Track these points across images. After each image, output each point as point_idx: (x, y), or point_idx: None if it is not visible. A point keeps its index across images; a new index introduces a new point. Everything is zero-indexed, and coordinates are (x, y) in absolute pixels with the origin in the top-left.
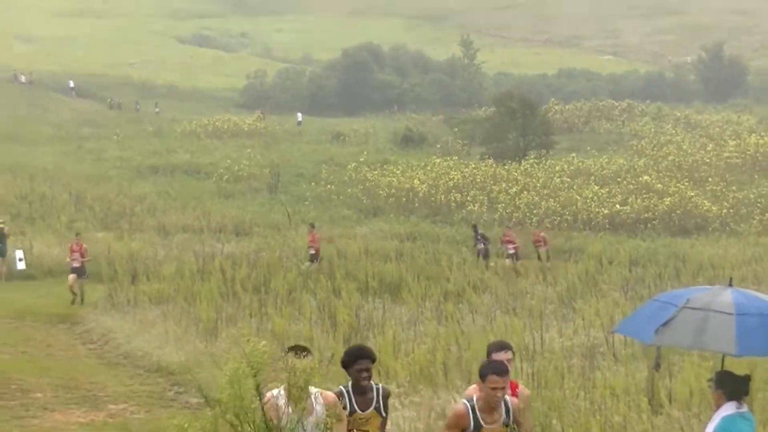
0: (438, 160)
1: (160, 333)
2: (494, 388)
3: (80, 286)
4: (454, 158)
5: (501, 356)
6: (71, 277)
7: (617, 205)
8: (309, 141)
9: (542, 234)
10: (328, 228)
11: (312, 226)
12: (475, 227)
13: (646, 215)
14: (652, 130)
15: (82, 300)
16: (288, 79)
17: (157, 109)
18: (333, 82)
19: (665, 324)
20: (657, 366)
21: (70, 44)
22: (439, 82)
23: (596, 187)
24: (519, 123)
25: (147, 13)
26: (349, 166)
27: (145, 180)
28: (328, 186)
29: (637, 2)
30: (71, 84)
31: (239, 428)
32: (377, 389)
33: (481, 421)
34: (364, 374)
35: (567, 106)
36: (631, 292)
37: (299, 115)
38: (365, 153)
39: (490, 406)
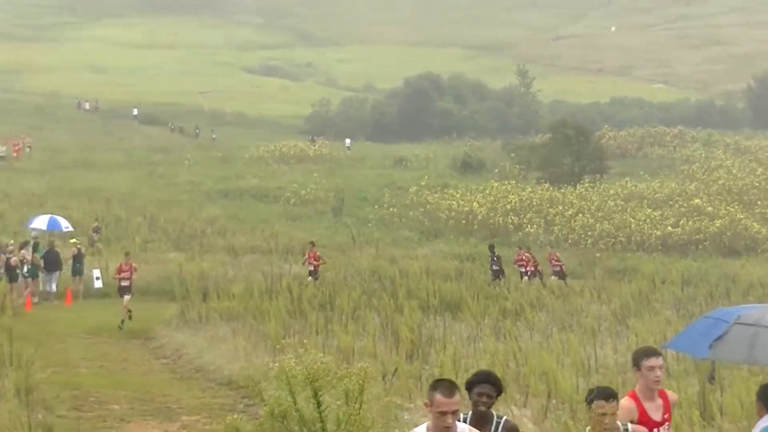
0: (496, 184)
1: (230, 348)
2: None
3: (125, 303)
4: (511, 182)
5: (653, 362)
6: (126, 299)
7: (669, 227)
8: (372, 166)
9: (556, 254)
10: (391, 249)
11: (312, 244)
12: (491, 248)
13: (697, 237)
14: (703, 155)
15: (130, 317)
16: (351, 107)
17: (214, 135)
18: (394, 109)
19: (718, 339)
20: (712, 379)
21: (140, 74)
22: (497, 109)
23: (649, 210)
24: (574, 149)
25: (214, 45)
26: (410, 190)
27: (214, 203)
28: (391, 209)
29: (687, 33)
30: (135, 112)
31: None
32: (498, 421)
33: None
34: (483, 399)
35: (620, 133)
36: (683, 310)
37: (348, 140)
38: (426, 177)
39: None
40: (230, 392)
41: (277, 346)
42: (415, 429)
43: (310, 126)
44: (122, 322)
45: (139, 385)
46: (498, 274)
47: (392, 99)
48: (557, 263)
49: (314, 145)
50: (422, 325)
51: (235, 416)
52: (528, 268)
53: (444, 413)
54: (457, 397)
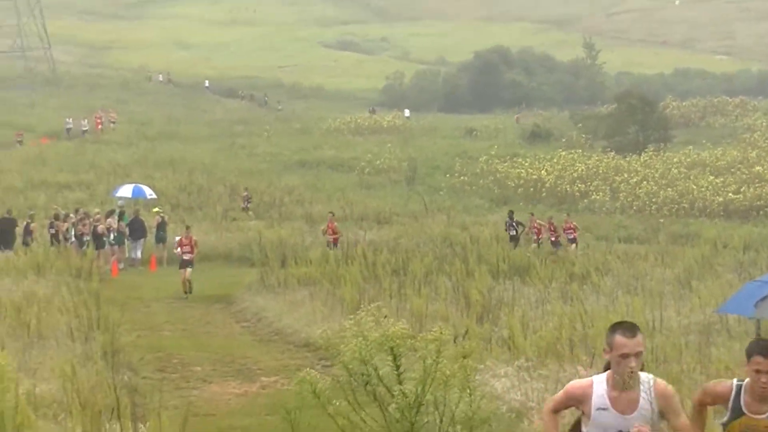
0: (563, 153)
1: (307, 312)
2: (757, 371)
3: (187, 276)
4: (578, 151)
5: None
6: (188, 271)
7: (731, 194)
8: (444, 136)
9: (573, 222)
10: (462, 216)
11: (331, 214)
12: (510, 213)
13: (758, 203)
14: (764, 124)
15: (191, 290)
16: (424, 80)
17: (279, 106)
18: (466, 82)
19: (763, 299)
20: (758, 336)
21: (223, 50)
22: (564, 81)
23: (711, 177)
24: (638, 118)
25: (293, 21)
26: (480, 159)
27: (293, 173)
28: (462, 177)
29: (749, 6)
30: (207, 84)
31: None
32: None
33: (744, 408)
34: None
35: (683, 103)
36: (744, 274)
37: (407, 111)
38: (496, 147)
39: (756, 393)
40: (308, 354)
41: (357, 310)
42: (594, 377)
43: (385, 98)
44: (186, 292)
45: (221, 348)
46: (515, 239)
47: (463, 72)
48: (572, 231)
49: (373, 116)
50: (492, 289)
51: (308, 370)
52: (540, 236)
53: (626, 355)
54: (639, 337)
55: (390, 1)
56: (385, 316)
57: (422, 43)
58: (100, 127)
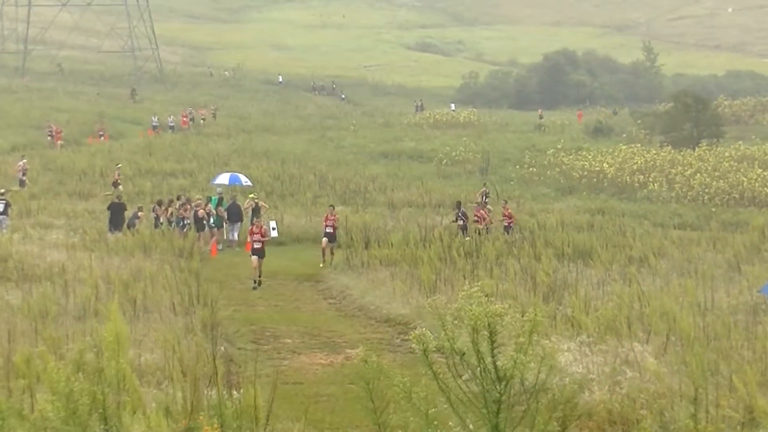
0: (624, 147)
1: (388, 290)
2: None
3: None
4: (637, 146)
5: None
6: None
7: None
8: (514, 131)
9: (509, 210)
10: (530, 204)
11: (332, 207)
12: (458, 204)
13: None
14: None
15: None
16: (497, 79)
17: (342, 96)
18: (535, 81)
19: None
20: None
21: (314, 51)
22: (625, 81)
23: (760, 170)
24: (693, 116)
25: (378, 25)
26: (548, 152)
27: (376, 163)
28: (530, 168)
29: None
30: (280, 79)
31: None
32: None
33: None
34: None
35: (734, 102)
36: None
37: (452, 105)
38: (562, 141)
39: None
40: (388, 328)
41: (433, 289)
42: None
43: (462, 96)
44: (256, 281)
45: (309, 322)
46: (463, 229)
47: (533, 72)
48: (507, 218)
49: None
50: (557, 270)
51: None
52: (484, 224)
53: None
54: None
55: (466, 7)
56: (487, 296)
57: (495, 45)
58: (184, 125)
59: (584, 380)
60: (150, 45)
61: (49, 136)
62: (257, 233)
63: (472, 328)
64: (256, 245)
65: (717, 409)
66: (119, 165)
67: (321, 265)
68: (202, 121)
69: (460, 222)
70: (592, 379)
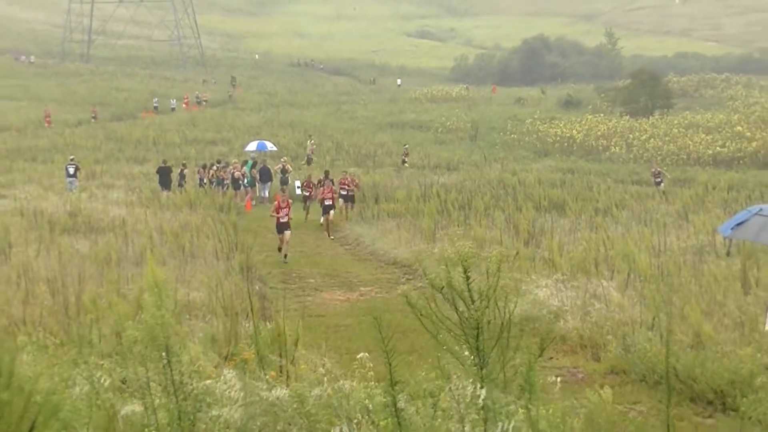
0: (590, 117)
1: (395, 238)
2: None
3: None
4: (601, 115)
5: None
6: (287, 234)
7: (718, 147)
8: (499, 104)
9: (349, 179)
10: (512, 164)
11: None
12: (326, 173)
13: (738, 155)
14: (744, 94)
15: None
16: (483, 61)
17: (321, 66)
18: (515, 62)
19: (740, 224)
20: (728, 253)
21: (330, 39)
22: (591, 62)
23: (703, 135)
24: (647, 90)
25: (384, 16)
26: (527, 121)
27: (384, 132)
28: (512, 135)
29: (733, 3)
30: (311, 61)
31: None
32: None
33: None
34: None
35: (682, 78)
36: (728, 209)
37: (399, 80)
38: (538, 112)
39: None
40: (395, 270)
41: (433, 236)
42: None
43: (453, 75)
44: (285, 255)
45: (329, 265)
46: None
47: (514, 55)
48: (346, 186)
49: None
50: (535, 220)
51: (405, 287)
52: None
53: None
54: None
55: (458, 0)
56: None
57: (482, 32)
58: (186, 106)
59: (560, 311)
60: (193, 34)
61: (93, 118)
62: (285, 207)
63: (446, 265)
64: (283, 220)
65: (670, 335)
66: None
67: (331, 238)
68: (204, 102)
69: (343, 193)
70: (566, 310)
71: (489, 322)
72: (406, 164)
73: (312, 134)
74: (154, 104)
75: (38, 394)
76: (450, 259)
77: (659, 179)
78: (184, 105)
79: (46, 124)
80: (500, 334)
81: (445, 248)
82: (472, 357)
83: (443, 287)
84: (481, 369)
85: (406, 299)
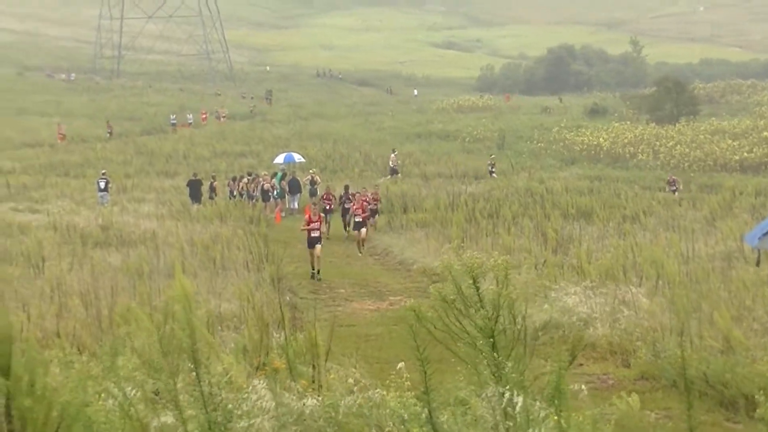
0: (616, 125)
1: (423, 247)
2: None
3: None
4: (627, 123)
5: None
6: (318, 248)
7: (745, 153)
8: (525, 113)
9: (367, 195)
10: (539, 173)
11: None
12: (346, 188)
13: (766, 160)
14: None
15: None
16: (509, 70)
17: (340, 76)
18: (541, 71)
19: (765, 234)
20: (757, 263)
21: (356, 50)
22: (616, 70)
23: (730, 141)
24: (673, 97)
25: (410, 27)
26: (553, 130)
27: (411, 142)
28: (539, 144)
29: (758, 10)
30: (339, 75)
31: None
32: None
33: None
34: None
35: (708, 85)
36: (756, 214)
37: (415, 91)
38: (564, 120)
39: None
40: (424, 279)
41: (455, 246)
42: None
43: (480, 84)
44: (316, 272)
45: (358, 275)
46: (347, 212)
47: (539, 64)
48: (376, 202)
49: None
50: (563, 228)
51: (413, 301)
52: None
53: None
54: None
55: (483, 11)
56: (466, 249)
57: (507, 42)
58: (204, 121)
59: (589, 318)
60: (221, 48)
61: (108, 133)
62: (316, 221)
63: (452, 277)
64: (314, 234)
65: (700, 340)
66: (395, 151)
67: (360, 255)
68: (223, 118)
69: (346, 206)
70: (595, 317)
71: (504, 330)
72: (494, 175)
73: (395, 148)
74: (172, 121)
75: (61, 403)
76: (462, 269)
77: (674, 187)
78: (202, 120)
79: (59, 140)
80: (515, 343)
81: (470, 257)
82: (490, 366)
83: (454, 299)
84: (499, 375)
85: (414, 313)
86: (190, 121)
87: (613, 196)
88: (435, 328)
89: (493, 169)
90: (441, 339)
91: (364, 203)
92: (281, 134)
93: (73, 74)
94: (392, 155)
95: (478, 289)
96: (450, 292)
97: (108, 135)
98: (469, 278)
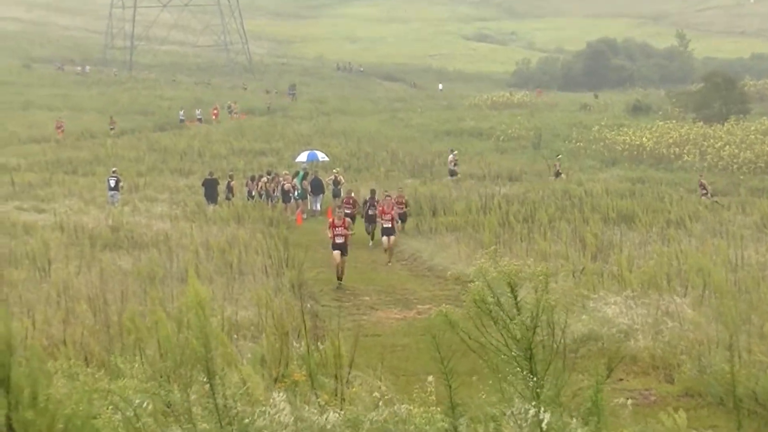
0: (660, 123)
1: (454, 252)
2: None
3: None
4: (672, 122)
5: None
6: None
7: None
8: (563, 110)
9: (393, 200)
10: (578, 174)
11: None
12: (372, 192)
13: None
14: None
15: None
16: (546, 65)
17: (361, 69)
18: (580, 66)
19: None
20: None
21: (383, 42)
22: (660, 65)
23: None
24: (722, 94)
25: (440, 18)
26: (593, 128)
27: (441, 140)
28: (578, 143)
29: None
30: (361, 68)
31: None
32: None
33: None
34: None
35: (759, 82)
36: None
37: (440, 85)
38: (605, 118)
39: None
40: (455, 286)
41: (492, 251)
42: None
43: (515, 80)
44: (340, 278)
45: (384, 281)
46: (372, 219)
47: (578, 58)
48: (402, 206)
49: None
50: (603, 233)
51: (444, 306)
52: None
53: None
54: None
55: (518, 1)
56: (503, 256)
57: (544, 35)
58: (215, 117)
59: (630, 330)
60: (240, 39)
61: (111, 129)
62: (340, 226)
63: (487, 285)
64: (339, 240)
65: (749, 355)
66: (454, 150)
67: (389, 264)
68: (235, 114)
69: (370, 212)
70: (637, 329)
71: (543, 343)
72: (562, 175)
73: (453, 148)
74: (180, 117)
75: (65, 416)
76: (500, 276)
77: (705, 191)
78: (213, 116)
79: (59, 136)
80: (553, 356)
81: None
82: (527, 379)
83: (490, 307)
84: (538, 392)
85: (445, 317)
86: (198, 117)
87: (656, 200)
88: (469, 337)
89: (560, 169)
90: (472, 349)
91: (392, 207)
92: (303, 131)
93: (87, 67)
94: (450, 156)
95: (516, 297)
96: (487, 296)
97: (111, 131)
98: (507, 286)
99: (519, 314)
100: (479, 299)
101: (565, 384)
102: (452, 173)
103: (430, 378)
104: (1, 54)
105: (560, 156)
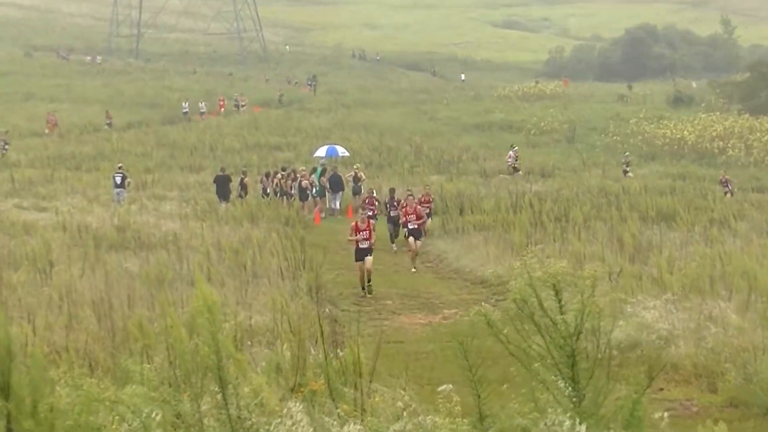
0: (703, 116)
1: (482, 253)
2: None
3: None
4: (716, 114)
5: None
6: (368, 261)
7: None
8: (599, 101)
9: (415, 199)
10: (615, 170)
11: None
12: (391, 191)
13: None
14: None
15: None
16: (581, 53)
17: (378, 58)
18: (617, 54)
19: None
20: None
21: (406, 30)
22: (703, 53)
23: None
24: None
25: (466, 4)
26: (631, 121)
27: (469, 134)
28: (614, 137)
29: None
30: (377, 56)
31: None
32: None
33: None
34: None
35: None
36: None
37: (462, 75)
38: (644, 110)
39: None
40: (483, 290)
41: (535, 251)
42: None
43: (548, 69)
44: (365, 288)
45: (408, 284)
46: (394, 221)
47: (615, 46)
48: (428, 205)
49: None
50: (642, 233)
51: (483, 305)
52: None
53: None
54: None
55: None
56: (548, 257)
57: (578, 22)
58: (221, 110)
59: (670, 336)
60: (254, 27)
61: (108, 124)
62: (365, 230)
63: (530, 287)
64: (363, 245)
65: None
66: (514, 146)
67: (414, 270)
68: (243, 107)
69: (393, 212)
70: (678, 335)
71: (587, 351)
72: (630, 174)
73: (514, 144)
74: (184, 110)
75: (66, 427)
76: (539, 279)
77: (728, 188)
78: (220, 108)
79: (47, 130)
80: (595, 365)
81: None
82: (567, 388)
83: (533, 312)
84: (579, 402)
85: (485, 318)
86: (202, 111)
87: (698, 197)
88: (508, 341)
89: (628, 168)
90: (511, 353)
91: (418, 207)
92: (321, 124)
93: (99, 57)
94: (511, 152)
95: (560, 301)
96: (530, 297)
97: (107, 126)
98: (552, 288)
99: (563, 318)
100: (520, 299)
101: (608, 394)
102: (515, 169)
103: (443, 387)
104: (2, 42)
105: (628, 153)
